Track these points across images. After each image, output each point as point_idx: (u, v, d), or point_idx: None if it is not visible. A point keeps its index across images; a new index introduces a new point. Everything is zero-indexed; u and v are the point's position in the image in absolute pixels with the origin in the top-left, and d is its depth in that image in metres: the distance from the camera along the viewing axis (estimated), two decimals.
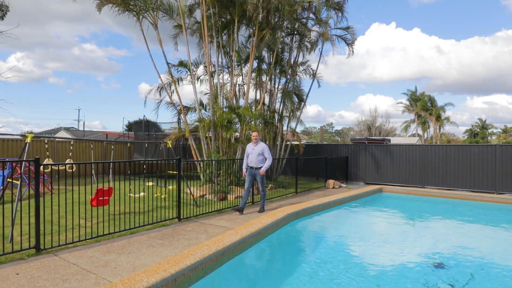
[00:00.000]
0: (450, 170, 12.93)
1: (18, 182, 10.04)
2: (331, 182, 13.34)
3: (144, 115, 18.96)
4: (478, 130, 58.60)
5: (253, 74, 13.29)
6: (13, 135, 11.78)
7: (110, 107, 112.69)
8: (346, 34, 14.29)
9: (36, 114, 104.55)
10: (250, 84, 12.91)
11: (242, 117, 11.25)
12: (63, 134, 34.48)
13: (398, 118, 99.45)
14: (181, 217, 7.09)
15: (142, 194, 7.90)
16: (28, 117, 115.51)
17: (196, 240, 5.60)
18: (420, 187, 13.40)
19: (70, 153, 8.15)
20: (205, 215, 7.63)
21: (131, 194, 8.60)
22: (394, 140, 31.77)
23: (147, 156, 14.62)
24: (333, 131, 74.24)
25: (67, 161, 7.58)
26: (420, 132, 44.13)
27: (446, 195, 11.57)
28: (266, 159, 7.88)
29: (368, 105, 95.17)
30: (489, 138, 59.20)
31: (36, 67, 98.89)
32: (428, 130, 43.17)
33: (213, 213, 7.85)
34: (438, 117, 40.91)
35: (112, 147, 9.61)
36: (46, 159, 7.77)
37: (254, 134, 7.95)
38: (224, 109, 11.60)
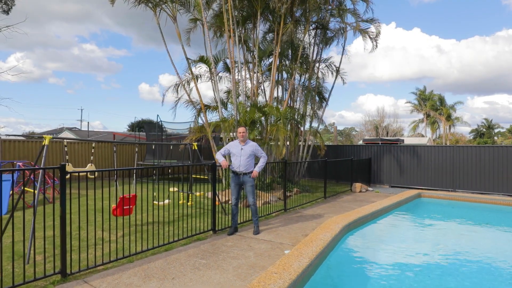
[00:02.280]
0: (485, 173, 12.13)
1: (28, 189, 9.24)
2: (358, 185, 12.54)
3: (157, 115, 18.16)
4: (484, 130, 57.78)
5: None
6: (19, 135, 10.99)
7: (110, 107, 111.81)
8: (369, 27, 13.44)
9: (36, 114, 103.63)
10: (270, 82, 12.11)
11: (268, 116, 10.46)
12: (66, 134, 33.63)
13: (403, 118, 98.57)
14: (216, 228, 6.29)
15: (167, 201, 7.10)
16: (28, 117, 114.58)
17: (245, 259, 4.80)
18: (451, 191, 12.63)
19: (92, 157, 7.34)
20: (240, 226, 6.84)
21: (155, 202, 7.80)
22: (406, 141, 31.00)
23: (160, 158, 13.80)
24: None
25: (88, 165, 6.79)
26: (428, 132, 43.31)
27: (495, 201, 10.47)
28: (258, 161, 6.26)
29: (368, 105, 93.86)
30: (495, 138, 58.34)
31: (36, 67, 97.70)
32: (437, 129, 42.32)
33: (247, 224, 7.06)
34: (448, 117, 40.09)
35: (136, 150, 8.80)
36: (66, 164, 6.96)
37: (241, 129, 6.23)
38: (247, 108, 10.81)
